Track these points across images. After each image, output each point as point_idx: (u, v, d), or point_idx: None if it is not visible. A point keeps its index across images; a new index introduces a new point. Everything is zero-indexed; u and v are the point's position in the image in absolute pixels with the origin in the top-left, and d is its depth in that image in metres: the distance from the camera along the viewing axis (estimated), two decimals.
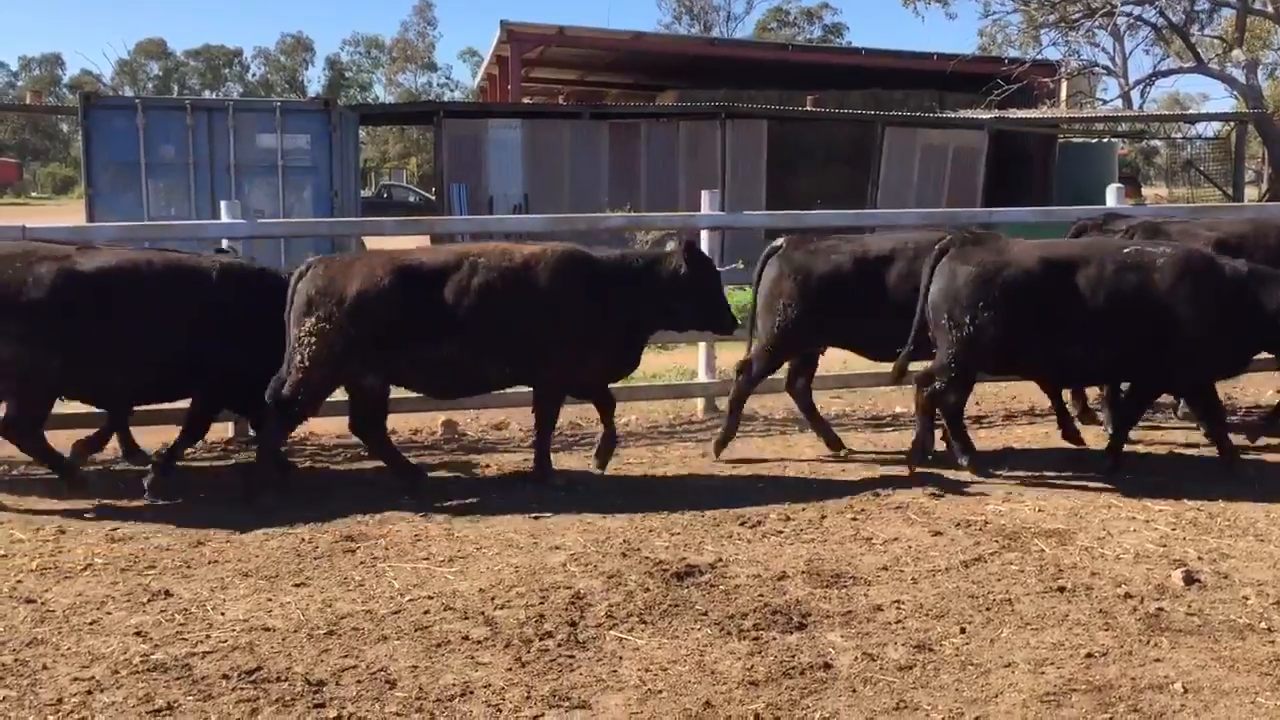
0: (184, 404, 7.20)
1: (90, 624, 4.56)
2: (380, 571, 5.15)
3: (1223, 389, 6.99)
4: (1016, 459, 7.12)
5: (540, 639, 4.37)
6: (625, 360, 6.90)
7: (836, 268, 7.17)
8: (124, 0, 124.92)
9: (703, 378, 8.83)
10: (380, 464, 6.88)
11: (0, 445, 7.23)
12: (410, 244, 8.40)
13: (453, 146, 21.91)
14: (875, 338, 7.21)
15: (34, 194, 60.31)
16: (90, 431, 7.26)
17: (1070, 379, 7.36)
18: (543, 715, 3.80)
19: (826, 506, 6.11)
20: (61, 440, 7.15)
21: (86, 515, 6.09)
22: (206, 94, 71.10)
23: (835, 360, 7.93)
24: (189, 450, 7.54)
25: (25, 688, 3.99)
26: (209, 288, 6.54)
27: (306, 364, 6.30)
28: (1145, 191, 30.97)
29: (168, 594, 4.87)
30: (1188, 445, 7.49)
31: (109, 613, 4.68)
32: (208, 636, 4.42)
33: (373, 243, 11.24)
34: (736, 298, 7.44)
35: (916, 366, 7.00)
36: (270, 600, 4.81)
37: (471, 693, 3.94)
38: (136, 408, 7.17)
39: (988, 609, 4.64)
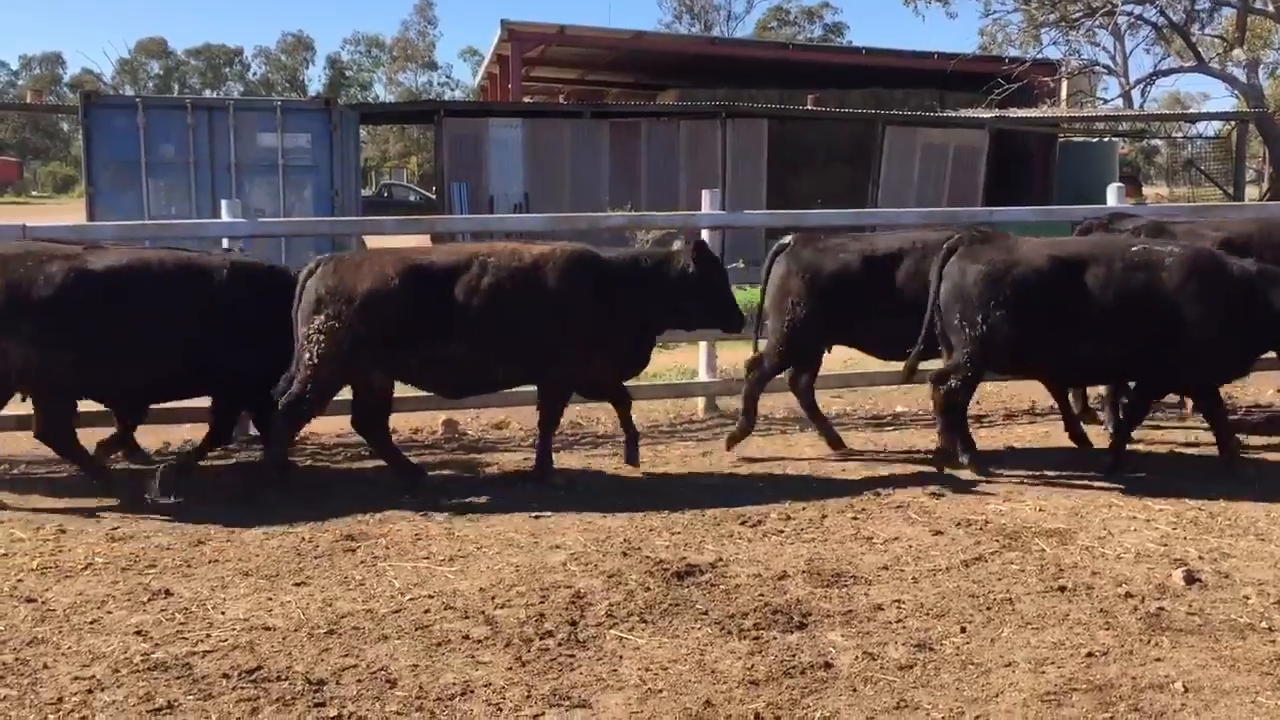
0: (180, 404, 7.26)
1: (91, 623, 4.56)
2: (381, 571, 5.15)
3: (1223, 388, 6.98)
4: (1017, 458, 7.12)
5: (541, 638, 4.36)
6: (634, 360, 6.92)
7: (845, 265, 7.17)
8: None
9: (703, 377, 8.83)
10: (381, 463, 6.88)
11: (0, 444, 7.26)
12: (411, 243, 8.41)
13: (453, 145, 21.91)
14: (884, 336, 7.21)
15: (34, 193, 60.31)
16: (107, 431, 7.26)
17: (1078, 378, 7.37)
18: (543, 714, 3.80)
19: (827, 506, 6.10)
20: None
21: (87, 514, 6.09)
22: (207, 93, 71.08)
23: (836, 359, 7.93)
24: (190, 449, 7.57)
25: (26, 686, 3.99)
26: (219, 286, 6.55)
27: (315, 362, 6.31)
28: (1146, 191, 31.02)
29: (168, 593, 4.87)
30: (1188, 444, 7.49)
31: (109, 612, 4.68)
32: (208, 635, 4.42)
33: (373, 242, 11.24)
34: (740, 296, 7.45)
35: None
36: (271, 599, 4.81)
37: (472, 692, 3.94)
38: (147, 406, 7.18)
39: (988, 608, 4.64)
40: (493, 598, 4.79)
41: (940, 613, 4.60)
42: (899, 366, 8.24)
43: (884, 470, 6.91)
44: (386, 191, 38.23)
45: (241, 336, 6.51)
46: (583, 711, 3.82)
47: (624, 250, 7.17)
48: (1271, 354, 7.01)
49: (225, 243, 7.85)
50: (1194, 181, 31.33)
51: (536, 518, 5.95)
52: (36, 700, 3.89)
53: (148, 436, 7.46)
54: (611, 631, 4.44)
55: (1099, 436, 7.59)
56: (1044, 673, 4.05)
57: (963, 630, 4.42)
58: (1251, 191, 29.36)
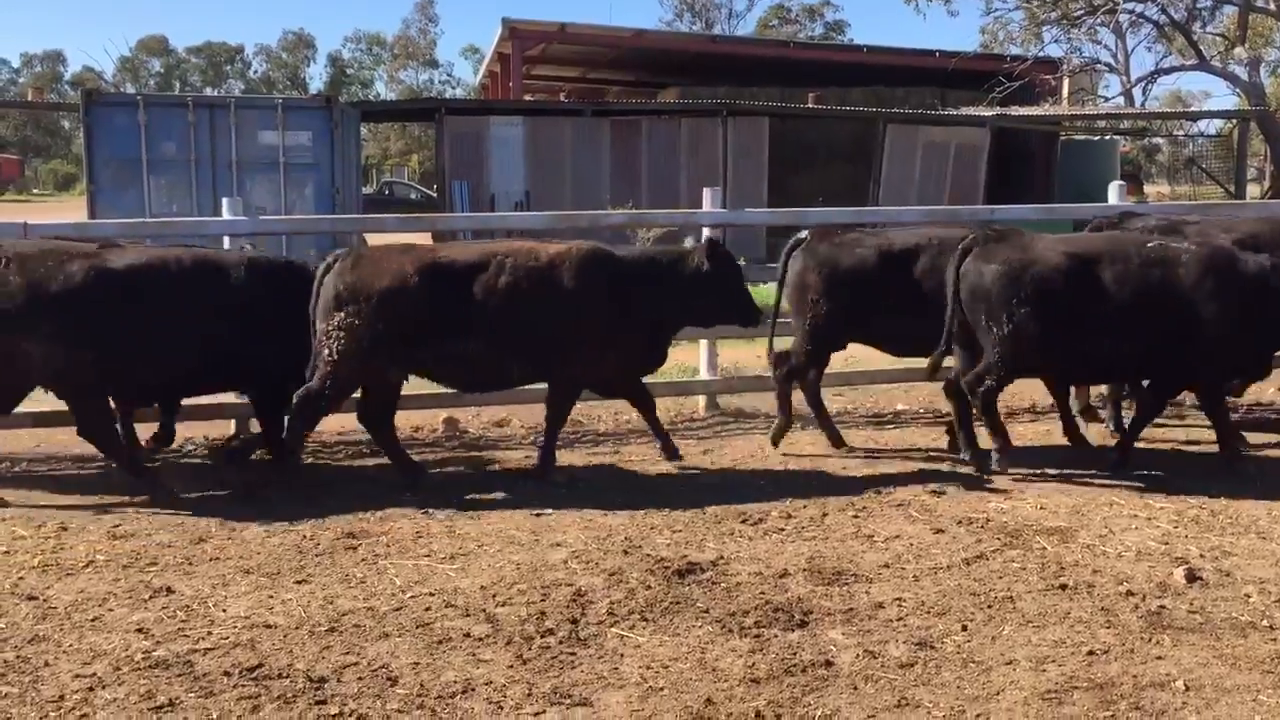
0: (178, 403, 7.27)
1: (92, 621, 4.57)
2: (382, 569, 5.15)
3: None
4: (1018, 456, 7.10)
5: (542, 636, 4.37)
6: (649, 358, 6.96)
7: (862, 260, 7.18)
8: None
9: (704, 375, 8.83)
10: (381, 460, 6.89)
11: (2, 442, 7.27)
12: (412, 242, 8.39)
13: (454, 143, 21.91)
14: (899, 332, 7.21)
15: (35, 190, 60.34)
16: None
17: (1095, 376, 7.37)
18: (544, 712, 3.80)
19: (828, 504, 6.10)
20: (57, 437, 7.18)
21: (89, 512, 6.09)
22: (208, 91, 71.09)
23: (837, 357, 7.91)
24: (191, 448, 7.58)
25: (27, 684, 3.99)
26: (237, 282, 6.58)
27: (335, 359, 6.33)
28: (1147, 189, 30.94)
29: (169, 591, 4.87)
30: (1189, 442, 7.48)
31: (111, 610, 4.68)
32: (209, 633, 4.42)
33: (374, 240, 11.24)
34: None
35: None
36: (272, 597, 4.81)
37: (473, 690, 3.94)
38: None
39: (989, 606, 4.64)
40: (494, 595, 4.79)
41: (941, 611, 4.60)
42: (902, 364, 8.27)
43: (885, 468, 6.91)
44: (387, 189, 38.25)
45: (260, 332, 6.54)
46: (584, 709, 3.82)
47: (639, 249, 7.19)
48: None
49: (226, 241, 7.85)
50: (1195, 180, 31.32)
51: (538, 515, 5.95)
52: (38, 698, 3.89)
53: (148, 435, 7.46)
54: (612, 629, 4.44)
55: (1100, 435, 7.60)
56: (1045, 671, 4.05)
57: (964, 628, 4.42)
58: (1253, 190, 29.32)
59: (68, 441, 7.11)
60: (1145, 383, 6.95)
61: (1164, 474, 6.63)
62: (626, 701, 3.86)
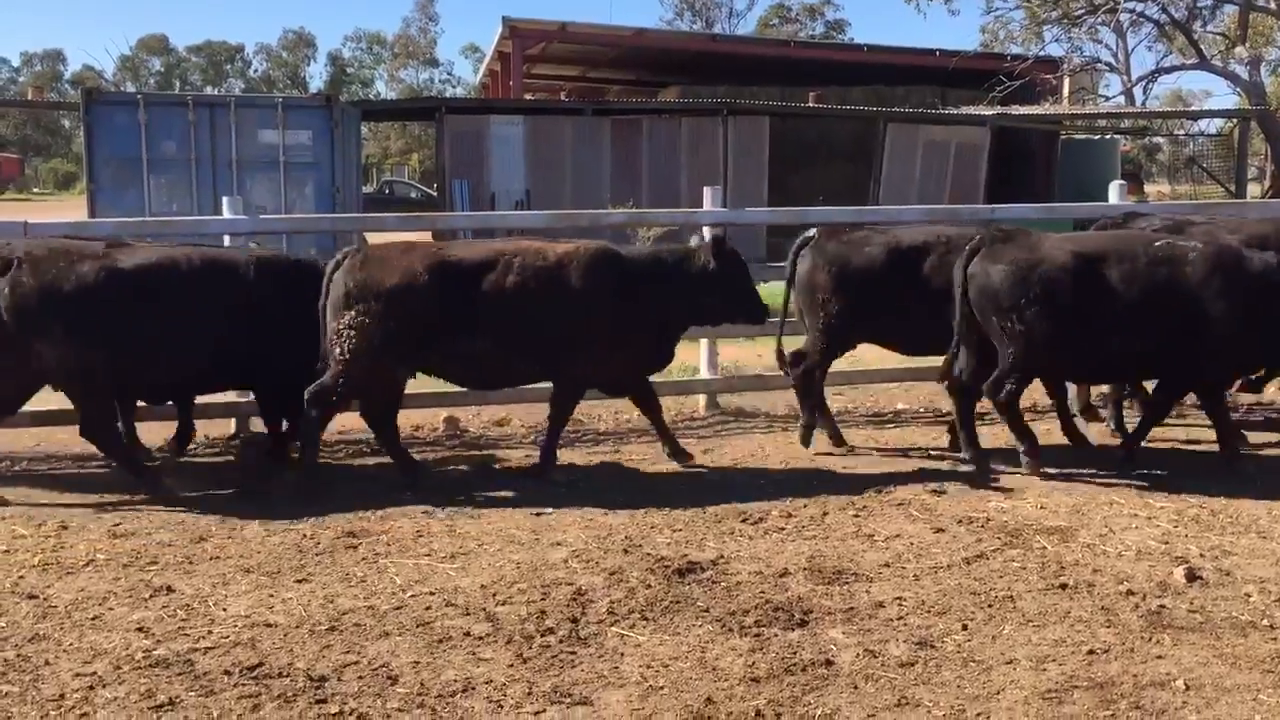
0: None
1: (92, 620, 4.57)
2: (382, 567, 5.15)
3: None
4: (1019, 456, 7.10)
5: (542, 635, 4.37)
6: (656, 358, 6.97)
7: (871, 258, 7.18)
8: None
9: (704, 374, 8.83)
10: (382, 460, 6.89)
11: (2, 440, 7.26)
12: (413, 240, 8.40)
13: (455, 142, 21.91)
14: (908, 330, 7.20)
15: (36, 189, 60.35)
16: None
17: (1102, 375, 7.36)
18: (544, 711, 3.80)
19: (828, 503, 6.10)
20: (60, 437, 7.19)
21: (89, 511, 6.10)
22: (208, 90, 71.08)
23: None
24: (192, 446, 7.58)
25: (28, 683, 3.99)
26: (247, 281, 6.59)
27: (347, 356, 6.34)
28: (1147, 188, 30.97)
29: (170, 590, 4.88)
30: (1189, 442, 7.48)
31: (111, 608, 4.68)
32: (210, 632, 4.42)
33: (375, 239, 11.24)
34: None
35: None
36: (272, 596, 4.81)
37: (473, 688, 3.94)
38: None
39: (989, 606, 4.64)
40: (494, 595, 4.79)
41: (941, 610, 4.60)
42: (902, 363, 8.27)
43: (885, 467, 6.91)
44: (388, 188, 38.26)
45: (271, 330, 6.56)
46: (584, 708, 3.82)
47: (646, 248, 7.20)
48: None
49: (227, 240, 7.85)
50: (1196, 179, 31.30)
51: (538, 515, 5.95)
52: (38, 697, 3.89)
53: (149, 433, 7.46)
54: (613, 629, 4.44)
55: (1101, 434, 7.60)
56: (1045, 670, 4.05)
57: (964, 628, 4.42)
58: (1253, 189, 29.32)
59: (68, 440, 7.12)
60: (1154, 382, 6.95)
61: (1164, 473, 6.63)
62: (627, 700, 3.86)
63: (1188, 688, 3.92)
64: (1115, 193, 9.31)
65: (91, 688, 3.95)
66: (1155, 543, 5.42)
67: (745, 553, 5.32)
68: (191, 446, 7.61)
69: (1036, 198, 21.45)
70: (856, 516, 5.89)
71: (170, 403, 7.20)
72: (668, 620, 4.51)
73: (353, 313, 6.33)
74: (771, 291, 7.77)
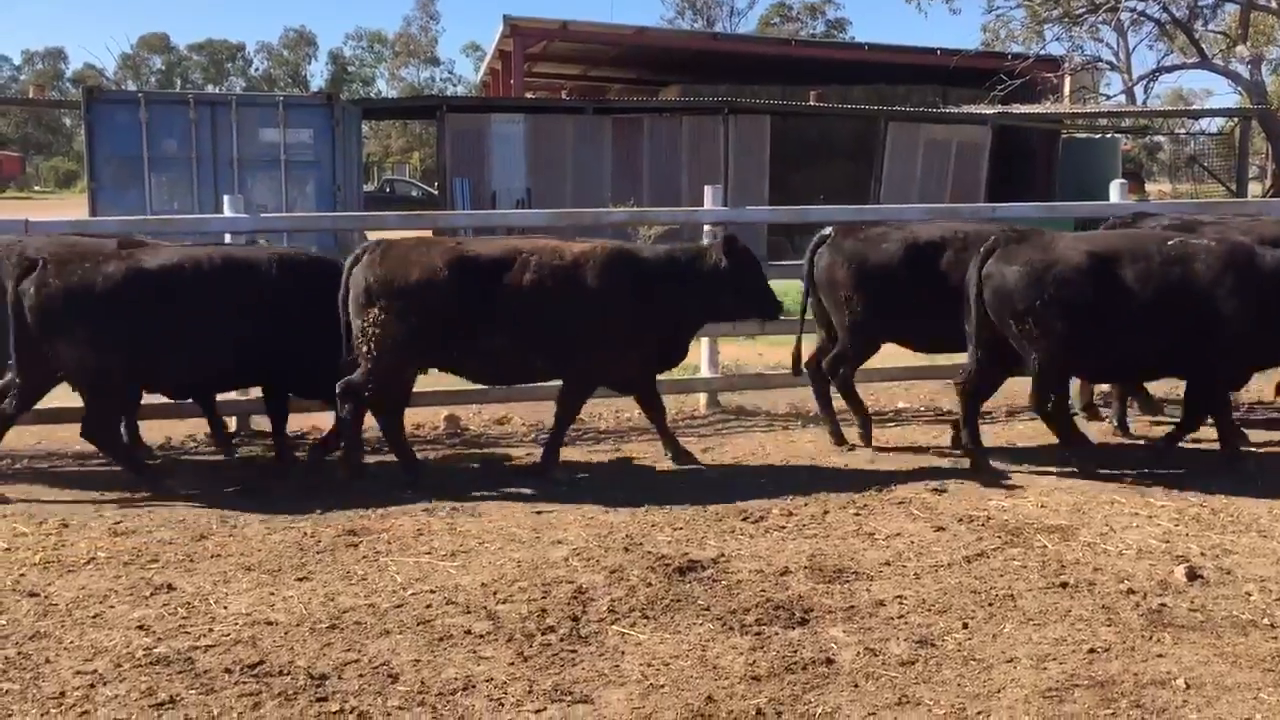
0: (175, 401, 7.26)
1: (93, 618, 4.57)
2: (383, 565, 5.16)
3: None
4: (1020, 455, 7.12)
5: (542, 633, 4.37)
6: (668, 357, 7.01)
7: (889, 255, 7.17)
8: None
9: (705, 373, 8.82)
10: (382, 458, 6.89)
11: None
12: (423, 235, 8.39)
13: (455, 141, 21.91)
14: (926, 328, 7.19)
15: (37, 188, 60.33)
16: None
17: (1118, 375, 7.36)
18: (545, 709, 3.80)
19: (829, 501, 6.10)
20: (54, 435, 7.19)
21: (89, 509, 6.10)
22: (209, 88, 71.07)
23: None
24: (192, 445, 7.59)
25: (28, 681, 4.00)
26: (268, 279, 6.60)
27: (374, 353, 6.36)
28: (1148, 187, 30.95)
29: (170, 588, 4.88)
30: (1190, 440, 7.46)
31: (112, 606, 4.69)
32: (210, 630, 4.42)
33: (375, 237, 11.24)
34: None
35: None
36: (273, 594, 4.81)
37: (474, 686, 3.94)
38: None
39: (990, 604, 4.64)
40: (494, 593, 4.79)
41: (942, 609, 4.60)
42: (903, 363, 8.27)
43: (886, 466, 6.91)
44: (389, 187, 38.31)
45: (290, 328, 6.57)
46: (584, 706, 3.82)
47: (660, 247, 7.20)
48: None
49: (228, 239, 7.85)
50: (1197, 178, 31.27)
51: (538, 513, 5.95)
52: (39, 694, 3.90)
53: (151, 432, 7.47)
54: (613, 627, 4.44)
55: (1102, 433, 7.59)
56: (1046, 669, 4.05)
57: (964, 626, 4.42)
58: (1254, 188, 29.31)
59: (69, 438, 7.12)
60: (1153, 383, 6.94)
61: (1165, 472, 6.63)
62: (627, 699, 3.86)
63: (1188, 686, 3.92)
64: (1116, 192, 9.31)
65: (92, 685, 3.95)
66: (1156, 541, 5.42)
67: (746, 551, 5.32)
68: (192, 445, 7.63)
69: (1037, 197, 21.42)
70: (857, 515, 5.89)
71: (190, 400, 7.22)
72: (668, 619, 4.51)
73: (376, 309, 6.35)
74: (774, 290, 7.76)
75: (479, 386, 7.32)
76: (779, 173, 23.01)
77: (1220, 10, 28.81)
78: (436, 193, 25.40)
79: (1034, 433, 7.78)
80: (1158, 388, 8.24)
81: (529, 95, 32.48)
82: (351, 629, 4.43)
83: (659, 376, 7.24)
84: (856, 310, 7.22)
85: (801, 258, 7.61)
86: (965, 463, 6.76)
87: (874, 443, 7.46)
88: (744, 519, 5.80)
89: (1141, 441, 7.51)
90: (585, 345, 6.61)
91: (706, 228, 8.56)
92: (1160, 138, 38.74)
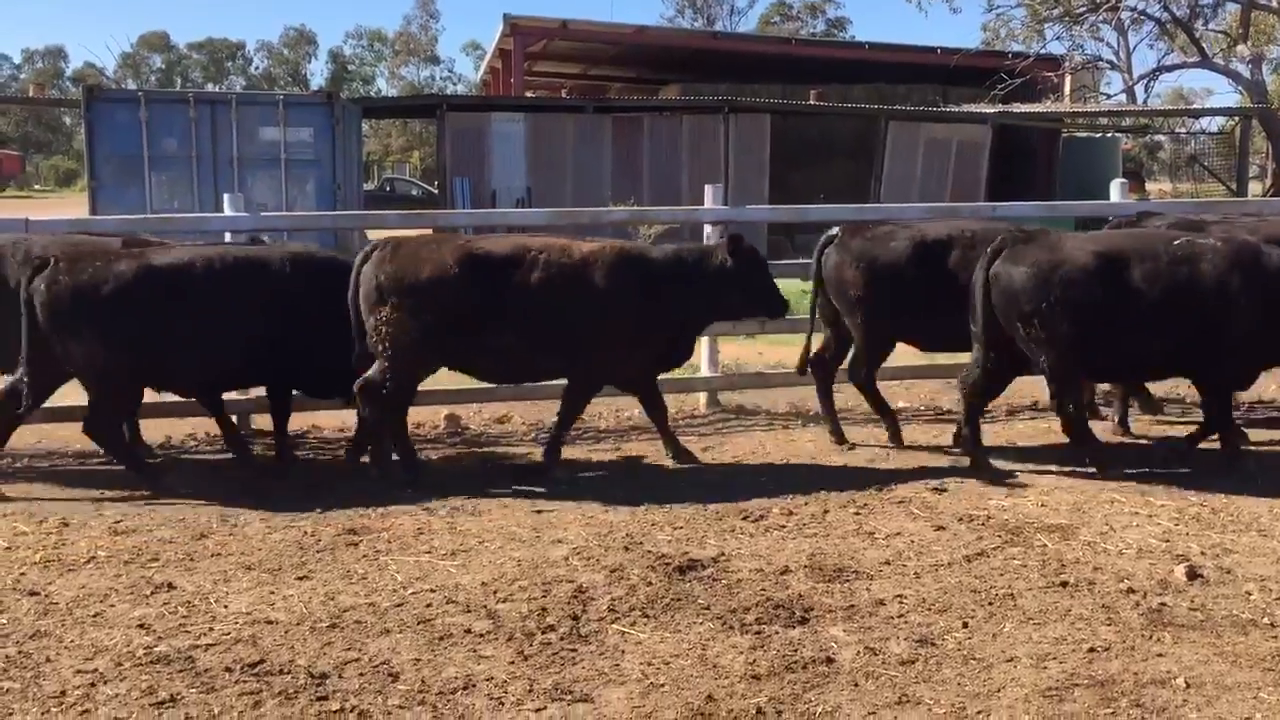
0: (175, 400, 7.27)
1: (93, 616, 4.57)
2: (383, 565, 5.16)
3: None
4: (1020, 454, 7.12)
5: (542, 632, 4.37)
6: (674, 357, 7.03)
7: (897, 253, 7.17)
8: None
9: (705, 372, 8.83)
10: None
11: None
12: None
13: (455, 140, 21.90)
14: (934, 327, 7.18)
15: (37, 186, 60.33)
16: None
17: (1126, 375, 7.35)
18: (545, 708, 3.80)
19: (829, 501, 6.10)
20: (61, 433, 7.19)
21: (90, 508, 6.10)
22: (209, 87, 71.03)
23: None
24: (193, 444, 7.60)
25: (29, 680, 4.00)
26: (280, 278, 6.61)
27: (390, 351, 6.37)
28: (1149, 187, 30.95)
29: (171, 587, 4.88)
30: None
31: (112, 605, 4.69)
32: (211, 629, 4.42)
33: (375, 236, 11.24)
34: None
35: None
36: (273, 593, 4.81)
37: (474, 685, 3.94)
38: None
39: (990, 604, 4.64)
40: (495, 592, 4.79)
41: (942, 608, 4.60)
42: (902, 362, 8.26)
43: (886, 465, 6.91)
44: (389, 186, 38.29)
45: (301, 327, 6.58)
46: (584, 705, 3.82)
47: (667, 247, 7.21)
48: None
49: (228, 238, 7.85)
50: (1197, 177, 31.25)
51: (539, 512, 5.95)
52: (39, 693, 3.90)
53: (150, 432, 7.47)
54: (613, 626, 4.44)
55: (1104, 433, 7.58)
56: (1046, 668, 4.05)
57: (964, 625, 4.42)
58: (1254, 187, 29.30)
59: (69, 437, 7.12)
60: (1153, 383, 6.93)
61: (1165, 471, 6.62)
62: (628, 698, 3.86)
63: (1188, 685, 3.92)
64: (1117, 191, 9.31)
65: (93, 684, 3.95)
66: (1156, 541, 5.42)
67: (746, 550, 5.32)
68: (192, 444, 7.64)
69: (1038, 196, 21.41)
70: (857, 514, 5.89)
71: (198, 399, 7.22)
72: (669, 618, 4.51)
73: (388, 307, 6.36)
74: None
75: (479, 386, 7.32)
76: (779, 172, 23.00)
77: (1221, 9, 28.82)
78: (436, 192, 25.40)
79: (1034, 432, 7.80)
80: (1158, 388, 8.24)
81: (529, 94, 32.46)
82: (352, 628, 4.43)
83: (660, 375, 7.24)
84: (867, 310, 7.22)
85: (802, 257, 7.61)
86: (965, 462, 6.77)
87: (873, 442, 7.47)
88: (744, 518, 5.80)
89: (1143, 441, 7.51)
90: (592, 344, 6.62)
91: (707, 227, 8.56)
92: (1161, 137, 38.72)
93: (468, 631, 4.38)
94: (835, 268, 7.32)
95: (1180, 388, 8.46)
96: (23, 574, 5.07)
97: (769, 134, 22.96)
